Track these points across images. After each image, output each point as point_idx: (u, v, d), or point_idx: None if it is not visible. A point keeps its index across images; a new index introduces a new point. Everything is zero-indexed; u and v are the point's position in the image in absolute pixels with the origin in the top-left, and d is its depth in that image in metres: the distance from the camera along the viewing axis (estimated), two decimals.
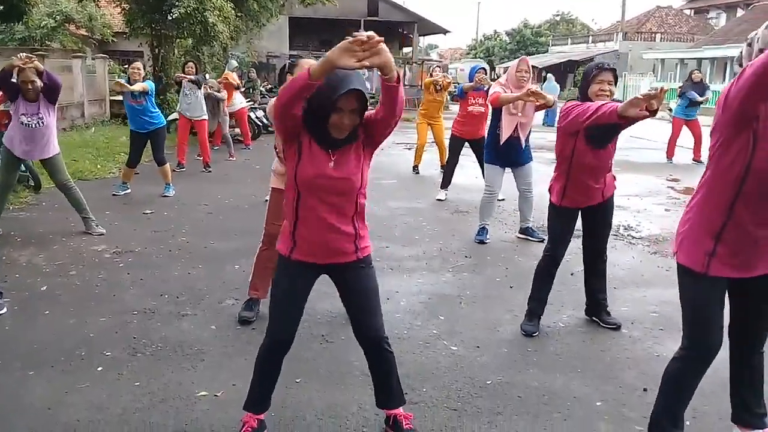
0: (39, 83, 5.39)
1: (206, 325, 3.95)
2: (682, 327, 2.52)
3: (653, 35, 39.71)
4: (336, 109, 2.32)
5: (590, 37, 44.31)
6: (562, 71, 35.86)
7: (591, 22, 55.66)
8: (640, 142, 14.62)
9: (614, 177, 3.97)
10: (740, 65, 2.24)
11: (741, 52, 2.28)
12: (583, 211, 3.94)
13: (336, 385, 3.23)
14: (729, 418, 2.75)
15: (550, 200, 3.97)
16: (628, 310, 4.31)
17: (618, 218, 7.13)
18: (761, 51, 2.16)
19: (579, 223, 4.01)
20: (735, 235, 2.32)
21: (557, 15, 55.58)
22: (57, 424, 2.82)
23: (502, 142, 5.74)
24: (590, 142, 3.63)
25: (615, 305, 4.32)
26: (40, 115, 5.49)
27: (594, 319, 4.13)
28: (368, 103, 2.41)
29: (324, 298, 4.00)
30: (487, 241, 5.99)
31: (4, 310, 4.04)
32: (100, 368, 3.35)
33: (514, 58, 5.66)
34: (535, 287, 4.01)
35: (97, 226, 6.01)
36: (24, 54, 5.29)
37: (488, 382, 3.29)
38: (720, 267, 2.38)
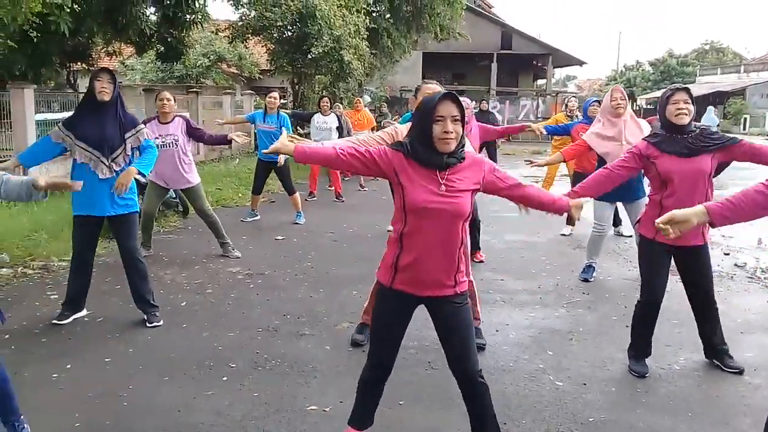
0: (173, 103, 6.08)
1: (321, 345, 4.22)
2: None
3: None
4: (437, 120, 2.48)
5: (742, 66, 41.53)
6: (709, 102, 33.81)
7: (743, 51, 52.22)
8: None
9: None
10: None
11: None
12: (677, 255, 3.79)
13: (437, 410, 3.34)
14: None
15: (640, 235, 3.86)
16: (753, 357, 4.07)
17: (758, 260, 6.72)
18: None
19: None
20: None
21: (706, 44, 52.76)
22: (184, 425, 3.16)
23: None
24: (671, 152, 3.61)
25: (739, 350, 4.10)
26: (175, 137, 6.05)
27: (715, 362, 3.95)
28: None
29: (432, 326, 4.13)
30: (592, 279, 5.83)
31: (161, 322, 4.54)
32: (225, 378, 3.69)
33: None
34: (634, 331, 3.92)
35: (233, 249, 6.53)
36: None
37: (590, 419, 3.27)
38: None
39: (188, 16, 12.19)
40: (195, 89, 16.41)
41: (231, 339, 4.30)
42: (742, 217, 2.36)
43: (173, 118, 6.11)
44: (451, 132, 2.49)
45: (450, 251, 2.59)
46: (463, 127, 2.55)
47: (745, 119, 33.25)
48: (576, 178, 7.58)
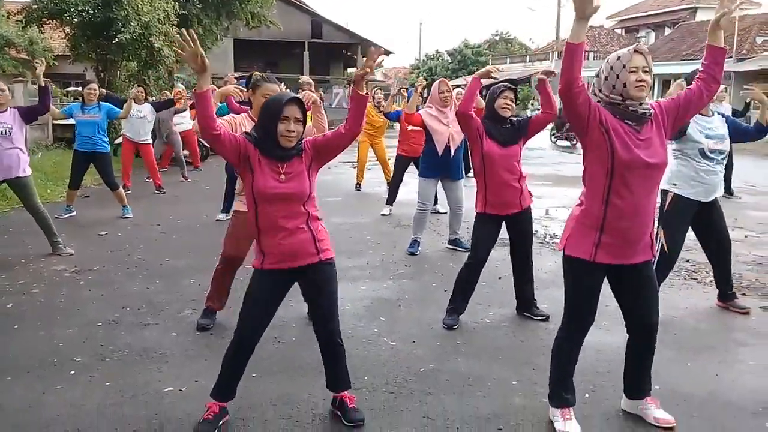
0: (8, 93, 5.78)
1: (167, 333, 4.32)
2: (565, 307, 3.06)
3: (587, 54, 41.27)
4: (283, 119, 2.82)
5: (527, 56, 45.88)
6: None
7: (528, 42, 57.44)
8: (572, 157, 15.56)
9: (530, 192, 4.57)
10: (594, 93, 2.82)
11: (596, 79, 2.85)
12: (506, 222, 4.52)
13: (288, 379, 3.66)
14: (621, 390, 3.30)
15: (476, 211, 4.52)
16: (547, 308, 4.83)
17: (546, 228, 7.81)
18: (606, 79, 2.75)
19: (504, 233, 4.58)
20: (614, 224, 2.80)
21: (496, 35, 57.24)
22: (39, 419, 3.16)
23: (440, 153, 6.19)
24: (494, 139, 4.32)
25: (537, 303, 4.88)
26: (8, 125, 5.74)
27: (525, 314, 4.69)
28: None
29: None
30: (417, 253, 6.48)
31: None
32: (72, 372, 3.69)
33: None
34: (457, 289, 4.54)
35: (65, 247, 6.24)
36: None
37: (421, 370, 3.78)
38: (604, 255, 2.86)
39: None
40: None
41: (70, 335, 4.25)
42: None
43: (6, 109, 5.82)
44: (294, 131, 2.86)
45: (300, 226, 2.93)
46: (303, 126, 2.92)
47: (532, 104, 36.97)
48: (399, 161, 8.28)
